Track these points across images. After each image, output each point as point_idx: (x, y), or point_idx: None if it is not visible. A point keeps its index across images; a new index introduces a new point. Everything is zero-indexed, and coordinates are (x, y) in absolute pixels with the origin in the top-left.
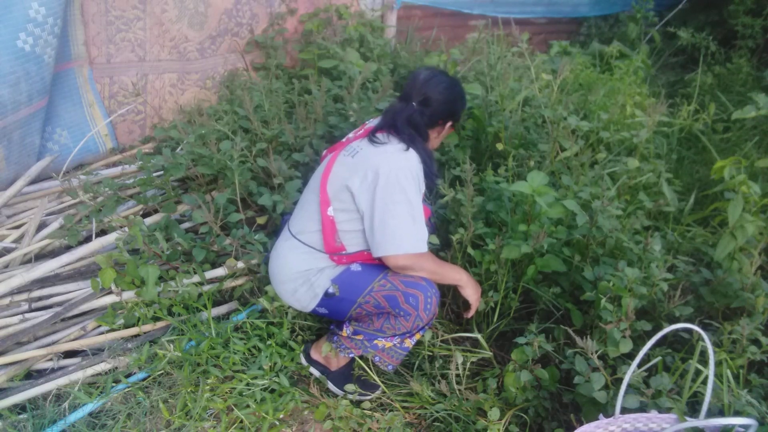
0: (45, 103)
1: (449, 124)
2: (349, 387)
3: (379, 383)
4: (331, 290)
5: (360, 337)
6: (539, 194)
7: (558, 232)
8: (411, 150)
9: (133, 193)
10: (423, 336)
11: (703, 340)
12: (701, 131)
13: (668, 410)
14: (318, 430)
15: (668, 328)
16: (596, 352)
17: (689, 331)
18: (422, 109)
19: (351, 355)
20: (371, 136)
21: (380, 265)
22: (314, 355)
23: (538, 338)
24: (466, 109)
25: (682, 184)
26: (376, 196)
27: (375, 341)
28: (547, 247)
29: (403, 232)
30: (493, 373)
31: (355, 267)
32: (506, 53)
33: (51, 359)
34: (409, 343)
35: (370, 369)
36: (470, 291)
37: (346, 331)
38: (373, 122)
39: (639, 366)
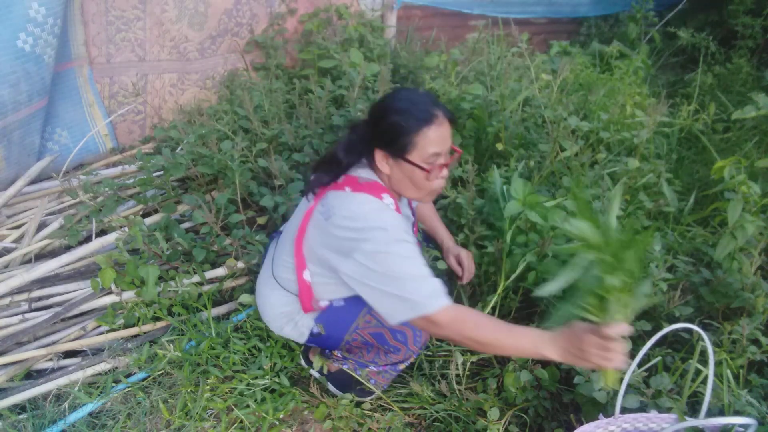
0: (45, 103)
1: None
2: (347, 396)
3: (375, 390)
4: (316, 330)
5: (351, 363)
6: (530, 208)
7: (557, 236)
8: (362, 194)
9: (133, 193)
10: None
11: (702, 340)
12: (701, 131)
13: (668, 410)
14: (318, 430)
15: (668, 328)
16: None
17: (689, 331)
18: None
19: (345, 366)
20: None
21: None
22: (312, 356)
23: None
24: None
25: (682, 184)
26: (364, 279)
27: (366, 369)
28: (546, 252)
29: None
30: (493, 373)
31: (338, 302)
32: (506, 53)
33: (51, 359)
34: (402, 366)
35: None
36: (558, 353)
37: (338, 353)
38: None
39: (639, 366)
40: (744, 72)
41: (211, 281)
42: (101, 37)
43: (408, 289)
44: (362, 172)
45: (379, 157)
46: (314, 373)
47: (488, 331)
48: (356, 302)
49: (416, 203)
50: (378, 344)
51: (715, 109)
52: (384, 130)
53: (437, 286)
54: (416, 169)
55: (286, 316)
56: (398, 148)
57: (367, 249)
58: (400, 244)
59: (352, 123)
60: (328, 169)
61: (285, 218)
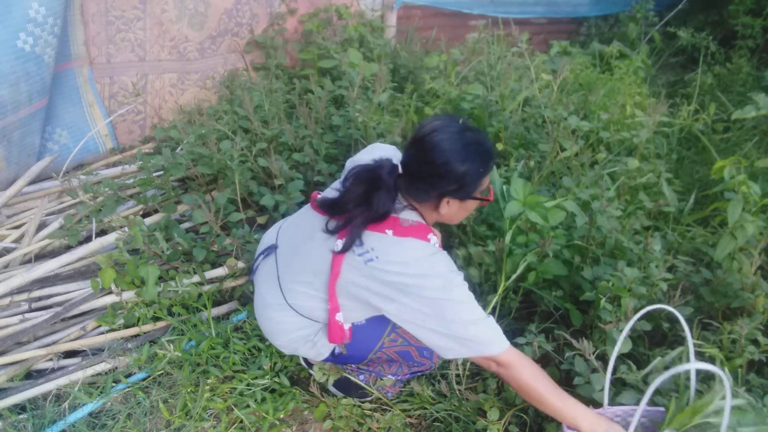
0: (45, 103)
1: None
2: (349, 400)
3: (375, 392)
4: (338, 351)
5: (367, 374)
6: (531, 208)
7: (557, 236)
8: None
9: (133, 193)
10: None
11: (691, 331)
12: (701, 131)
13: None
14: (318, 429)
15: (649, 307)
16: (595, 352)
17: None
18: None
19: (360, 377)
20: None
21: (385, 317)
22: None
23: (538, 338)
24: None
25: (682, 184)
26: (418, 321)
27: (384, 378)
28: (546, 252)
29: (478, 334)
30: (493, 374)
31: (359, 321)
32: (506, 53)
33: (51, 359)
34: (419, 374)
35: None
36: None
37: (353, 365)
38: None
39: (639, 366)
40: (744, 72)
41: (211, 281)
42: (101, 37)
43: (471, 332)
44: (403, 213)
45: (444, 202)
46: (314, 373)
47: (542, 386)
48: (379, 321)
49: None
50: (403, 360)
51: (715, 109)
52: (456, 180)
53: (497, 326)
54: (478, 201)
55: (303, 339)
56: (470, 191)
57: (424, 295)
58: (456, 289)
59: (371, 173)
60: (372, 219)
61: (284, 215)
